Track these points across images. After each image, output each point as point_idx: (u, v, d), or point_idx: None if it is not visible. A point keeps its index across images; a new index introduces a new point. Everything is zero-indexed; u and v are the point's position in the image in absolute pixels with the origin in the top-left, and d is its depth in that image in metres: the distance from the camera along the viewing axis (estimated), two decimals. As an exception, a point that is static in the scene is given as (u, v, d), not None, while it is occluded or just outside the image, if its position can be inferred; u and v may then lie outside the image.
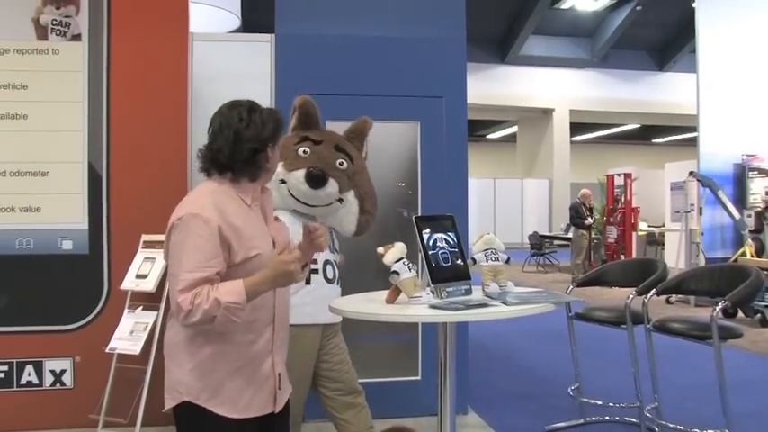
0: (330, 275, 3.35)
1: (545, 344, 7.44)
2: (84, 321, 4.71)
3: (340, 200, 3.44)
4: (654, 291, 4.38)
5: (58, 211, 4.71)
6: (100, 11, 4.75)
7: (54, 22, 4.70)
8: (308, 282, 3.20)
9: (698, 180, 10.43)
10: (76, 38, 4.73)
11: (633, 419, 4.75)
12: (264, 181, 2.40)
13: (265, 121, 2.32)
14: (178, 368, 2.28)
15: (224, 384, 2.25)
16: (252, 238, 2.25)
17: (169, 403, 2.30)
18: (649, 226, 14.45)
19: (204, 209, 2.20)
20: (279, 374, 2.36)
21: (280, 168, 3.36)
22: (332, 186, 3.36)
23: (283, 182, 3.38)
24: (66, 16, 4.71)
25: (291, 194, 3.36)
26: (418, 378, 4.92)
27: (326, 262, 3.34)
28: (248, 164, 2.30)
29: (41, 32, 4.70)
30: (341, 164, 3.44)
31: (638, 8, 18.62)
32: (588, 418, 4.85)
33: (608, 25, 20.09)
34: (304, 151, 3.41)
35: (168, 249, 2.25)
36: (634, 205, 14.38)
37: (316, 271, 3.26)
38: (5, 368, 4.64)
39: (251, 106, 2.34)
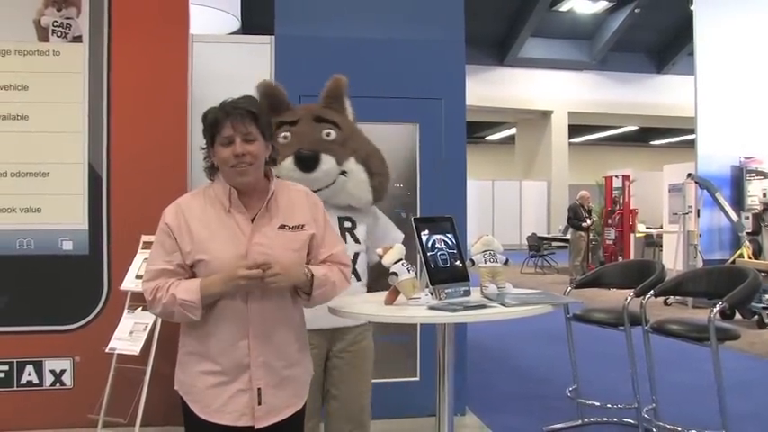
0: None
1: (543, 345, 7.46)
2: (84, 321, 4.73)
3: (343, 173, 3.14)
4: (652, 292, 4.40)
5: (58, 212, 4.73)
6: (100, 13, 4.77)
7: (55, 24, 4.72)
8: None
9: (696, 182, 10.45)
10: (77, 39, 4.75)
11: (631, 420, 4.78)
12: (234, 182, 2.25)
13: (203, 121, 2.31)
14: (179, 353, 2.35)
15: (195, 384, 2.26)
16: (204, 243, 2.20)
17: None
18: (647, 228, 14.47)
19: (170, 208, 2.29)
20: (258, 389, 2.23)
21: None
22: (327, 162, 3.10)
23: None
24: (68, 18, 4.73)
25: None
26: (417, 379, 4.93)
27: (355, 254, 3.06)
28: (207, 167, 2.35)
29: (43, 34, 4.72)
30: (328, 134, 3.18)
31: (636, 11, 18.65)
32: (586, 419, 4.87)
33: (606, 28, 20.13)
34: (284, 137, 3.14)
35: None
36: (632, 207, 14.40)
37: None
38: (6, 368, 4.67)
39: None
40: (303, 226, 2.32)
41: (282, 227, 2.28)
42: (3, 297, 4.69)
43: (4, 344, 4.66)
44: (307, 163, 3.05)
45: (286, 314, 2.30)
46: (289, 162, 3.06)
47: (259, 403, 2.23)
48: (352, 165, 3.19)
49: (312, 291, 2.28)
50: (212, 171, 2.33)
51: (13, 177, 4.69)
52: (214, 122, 2.22)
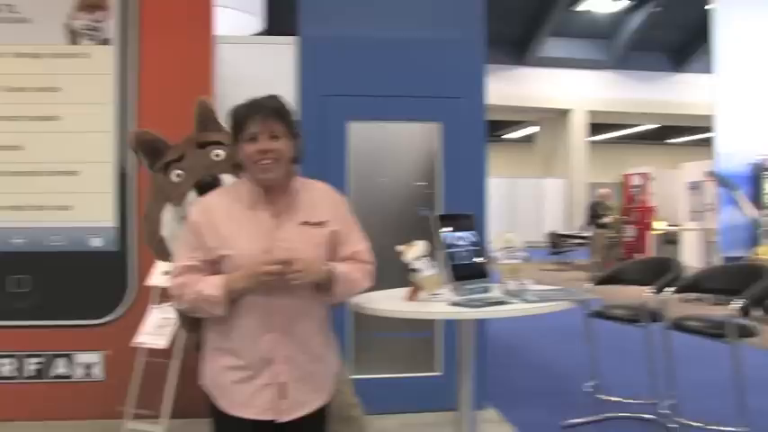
0: None
1: (562, 341, 7.47)
2: (114, 316, 4.84)
3: None
4: (670, 289, 4.43)
5: (88, 210, 4.85)
6: (129, 15, 4.88)
7: (85, 27, 4.84)
8: None
9: (715, 180, 10.42)
10: (106, 41, 4.87)
11: (650, 416, 4.78)
12: (258, 178, 2.28)
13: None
14: (205, 349, 2.39)
15: (220, 379, 2.31)
16: (229, 239, 2.23)
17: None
18: (666, 225, 14.43)
19: (196, 205, 2.41)
20: (282, 384, 2.26)
21: (171, 210, 3.22)
22: (228, 182, 3.07)
23: (186, 218, 3.14)
24: (97, 21, 4.85)
25: None
26: (437, 374, 5.00)
27: None
28: (233, 164, 2.47)
29: (73, 37, 4.85)
30: (217, 155, 3.19)
31: (655, 10, 18.55)
32: (605, 415, 4.88)
33: (625, 27, 20.06)
34: (177, 175, 3.17)
35: None
36: (651, 204, 14.36)
37: None
38: (39, 360, 4.80)
39: None
40: (326, 222, 2.33)
41: (305, 223, 2.30)
42: (35, 292, 4.82)
43: (36, 337, 4.79)
44: (210, 190, 2.90)
45: (309, 309, 2.32)
46: (192, 196, 3.05)
47: (283, 398, 2.26)
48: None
49: (333, 287, 2.29)
50: (238, 169, 2.39)
51: (44, 176, 4.82)
52: (240, 119, 2.27)
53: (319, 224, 2.32)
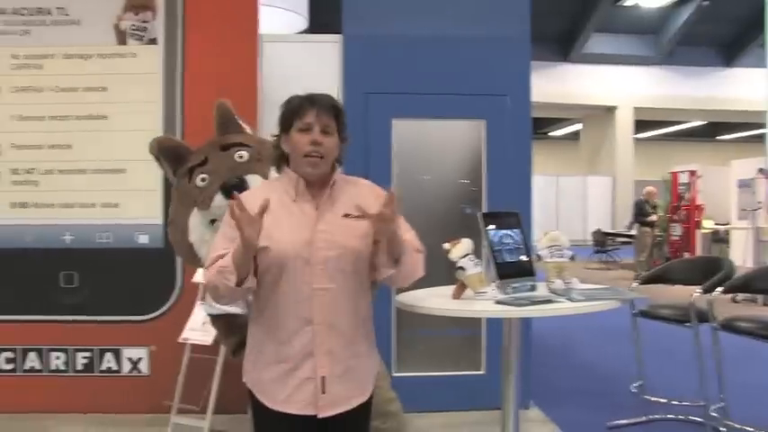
0: None
1: (607, 340, 7.39)
2: (160, 312, 4.92)
3: None
4: (720, 289, 4.34)
5: (135, 207, 4.93)
6: (175, 15, 4.95)
7: (132, 27, 4.92)
8: None
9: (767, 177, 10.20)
10: (153, 41, 4.94)
11: (698, 419, 4.70)
12: (304, 172, 2.26)
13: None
14: (246, 349, 2.38)
15: (261, 376, 2.29)
16: (268, 230, 2.16)
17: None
18: (715, 224, 14.16)
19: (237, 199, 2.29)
20: (322, 378, 2.23)
21: (198, 215, 3.23)
22: (255, 182, 3.14)
23: (213, 221, 3.19)
24: (144, 21, 4.92)
25: None
26: (482, 372, 4.98)
27: None
28: (276, 156, 2.38)
29: (121, 37, 4.94)
30: (240, 157, 3.23)
31: (704, 3, 18.21)
32: (651, 416, 4.82)
33: (673, 21, 19.72)
34: (202, 179, 3.19)
35: None
36: (699, 203, 14.12)
37: None
38: (88, 355, 4.92)
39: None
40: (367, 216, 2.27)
41: (347, 215, 2.26)
42: (84, 288, 4.92)
43: (85, 332, 4.90)
44: (236, 189, 2.94)
45: (352, 302, 2.28)
46: (219, 199, 3.07)
47: (323, 392, 2.23)
48: (275, 174, 3.20)
49: (403, 258, 2.24)
50: (281, 160, 2.36)
51: (93, 174, 4.92)
52: (297, 108, 2.25)
53: (361, 216, 2.24)
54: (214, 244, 2.31)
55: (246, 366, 2.37)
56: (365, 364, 2.37)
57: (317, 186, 2.30)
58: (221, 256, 2.21)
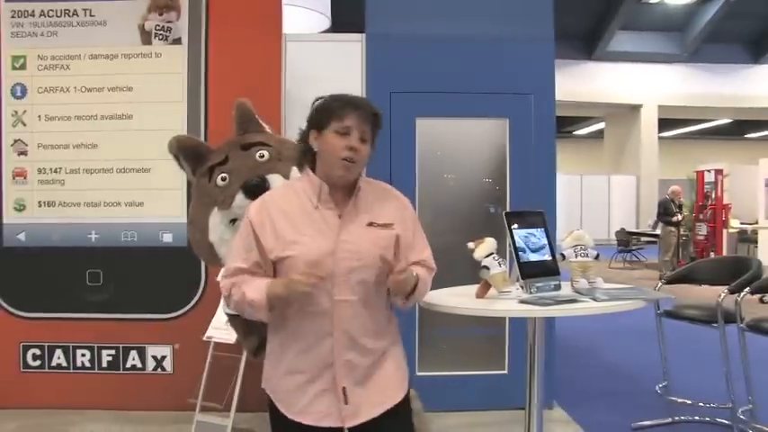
0: None
1: (632, 341, 7.34)
2: (184, 310, 4.95)
3: None
4: (747, 289, 4.29)
5: (159, 206, 4.96)
6: (199, 15, 4.97)
7: (157, 28, 4.95)
8: None
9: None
10: (177, 41, 4.98)
11: (725, 421, 4.65)
12: (336, 174, 2.19)
13: (313, 105, 2.26)
14: (266, 353, 2.34)
15: (280, 384, 2.25)
16: (289, 240, 2.14)
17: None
18: (741, 223, 14.00)
19: (255, 203, 2.27)
20: (343, 389, 2.18)
21: (218, 215, 3.22)
22: (276, 182, 3.14)
23: (234, 221, 3.19)
24: (168, 21, 4.95)
25: None
26: (505, 372, 4.96)
27: None
28: (301, 151, 2.29)
29: (146, 37, 4.97)
30: (261, 156, 3.22)
31: (731, -1, 18.01)
32: (676, 418, 4.78)
33: (699, 18, 19.48)
34: (222, 179, 3.18)
35: None
36: (725, 202, 13.96)
37: None
38: (113, 352, 4.97)
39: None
40: (391, 225, 2.23)
41: (371, 224, 2.21)
42: (109, 286, 4.97)
43: (110, 330, 4.95)
44: (257, 191, 2.96)
45: (373, 312, 2.23)
46: (240, 198, 3.07)
47: (345, 403, 2.18)
48: (297, 173, 3.16)
49: (413, 293, 2.24)
50: (305, 156, 2.28)
51: (118, 173, 4.96)
52: (338, 109, 2.18)
53: (386, 226, 2.23)
54: (233, 250, 2.27)
55: (266, 373, 2.33)
56: (388, 368, 2.29)
57: (340, 192, 2.23)
58: (242, 270, 2.20)
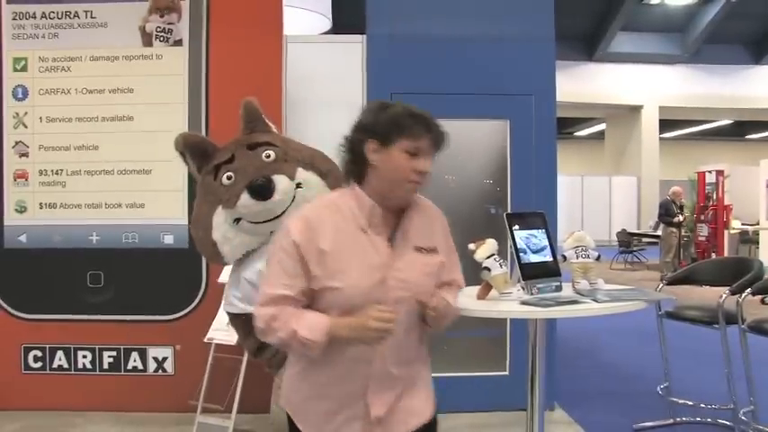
0: None
1: (633, 342, 7.34)
2: (185, 312, 4.95)
3: (298, 185, 3.18)
4: (749, 290, 4.28)
5: (160, 208, 4.96)
6: (199, 17, 4.98)
7: (158, 29, 4.96)
8: None
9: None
10: (178, 43, 4.98)
11: (726, 422, 4.65)
12: (398, 195, 2.03)
13: (372, 109, 2.05)
14: (288, 369, 2.19)
15: (306, 405, 2.11)
16: (336, 268, 1.95)
17: (279, 400, 2.27)
18: (743, 224, 13.99)
19: (297, 222, 2.01)
20: (376, 418, 2.05)
21: (222, 213, 3.22)
22: (281, 182, 3.14)
23: (238, 220, 3.19)
24: (169, 23, 4.96)
25: (256, 223, 3.15)
26: (506, 373, 4.96)
27: None
28: (348, 160, 2.06)
29: (147, 39, 4.98)
30: (267, 156, 3.20)
31: (732, 0, 17.99)
32: (678, 419, 4.77)
33: (700, 19, 19.49)
34: (228, 177, 3.18)
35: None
36: (726, 203, 13.96)
37: None
38: (114, 354, 4.97)
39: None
40: (435, 249, 2.11)
41: (418, 249, 2.06)
42: (110, 288, 4.97)
43: (112, 331, 4.94)
44: (263, 192, 3.03)
45: (411, 338, 2.12)
46: (245, 198, 3.07)
47: (374, 428, 2.07)
48: (303, 174, 3.20)
49: (443, 321, 2.12)
50: (357, 167, 2.04)
51: (119, 175, 4.96)
52: (412, 127, 1.98)
53: (431, 251, 2.09)
54: (269, 274, 2.04)
55: (287, 392, 2.18)
56: (421, 389, 2.20)
57: (390, 212, 2.06)
58: (285, 299, 1.97)
